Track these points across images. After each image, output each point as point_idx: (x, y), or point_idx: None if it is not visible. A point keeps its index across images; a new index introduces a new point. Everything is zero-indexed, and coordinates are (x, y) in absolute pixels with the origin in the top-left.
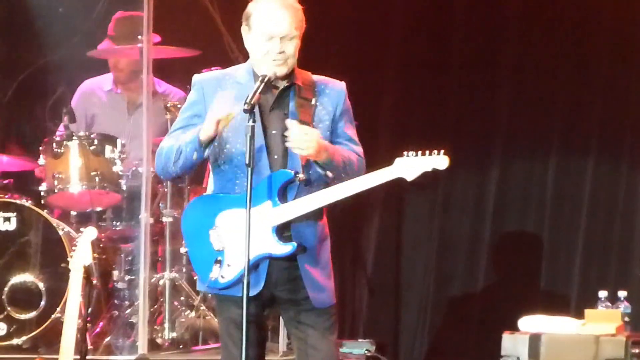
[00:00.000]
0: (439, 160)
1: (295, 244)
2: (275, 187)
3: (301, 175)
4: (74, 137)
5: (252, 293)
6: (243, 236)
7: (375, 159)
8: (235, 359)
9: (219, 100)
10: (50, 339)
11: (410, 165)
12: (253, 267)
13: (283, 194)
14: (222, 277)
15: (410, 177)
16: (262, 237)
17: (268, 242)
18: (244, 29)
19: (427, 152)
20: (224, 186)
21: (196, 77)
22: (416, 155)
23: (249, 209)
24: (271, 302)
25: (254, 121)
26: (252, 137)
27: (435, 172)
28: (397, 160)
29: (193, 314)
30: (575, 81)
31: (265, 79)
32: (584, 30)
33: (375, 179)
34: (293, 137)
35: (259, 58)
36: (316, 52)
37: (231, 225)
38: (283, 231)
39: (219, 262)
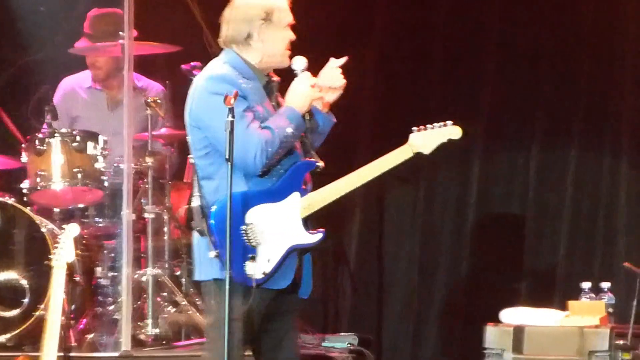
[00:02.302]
0: (453, 131)
1: (324, 230)
2: (300, 177)
3: (321, 164)
4: (56, 134)
5: (283, 286)
6: (278, 230)
7: (355, 153)
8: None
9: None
10: (34, 337)
11: (426, 139)
12: (285, 259)
13: (306, 184)
14: (264, 272)
15: (427, 150)
16: (293, 228)
17: (299, 233)
18: (263, 25)
19: (436, 124)
20: (259, 179)
21: (222, 74)
22: (425, 129)
23: (230, 203)
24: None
25: (234, 116)
26: (231, 132)
27: (417, 164)
28: (411, 136)
29: (175, 309)
30: (557, 72)
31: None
32: (566, 21)
33: (394, 158)
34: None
35: (282, 49)
36: (297, 46)
37: (265, 221)
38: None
39: (254, 258)
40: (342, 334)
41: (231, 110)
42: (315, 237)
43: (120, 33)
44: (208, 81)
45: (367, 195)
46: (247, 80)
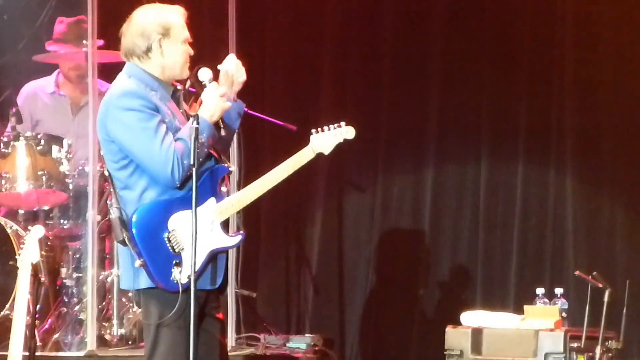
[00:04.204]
0: (347, 131)
1: (243, 233)
2: (215, 182)
3: (233, 168)
4: (20, 138)
5: (215, 286)
6: (199, 235)
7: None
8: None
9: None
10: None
11: (325, 140)
12: (211, 261)
13: (223, 189)
14: (189, 277)
15: (327, 150)
16: (213, 232)
17: (219, 236)
18: (160, 40)
19: (332, 126)
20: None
21: (133, 90)
22: (323, 130)
23: (195, 207)
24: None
25: (198, 123)
26: (196, 138)
27: (374, 174)
28: (312, 137)
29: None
30: (501, 86)
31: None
32: (508, 36)
33: (299, 159)
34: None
35: (181, 63)
36: (251, 54)
37: (186, 226)
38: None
39: (179, 264)
40: (307, 335)
41: (195, 117)
42: (234, 239)
43: (84, 42)
44: (120, 98)
45: (327, 204)
46: (155, 92)
